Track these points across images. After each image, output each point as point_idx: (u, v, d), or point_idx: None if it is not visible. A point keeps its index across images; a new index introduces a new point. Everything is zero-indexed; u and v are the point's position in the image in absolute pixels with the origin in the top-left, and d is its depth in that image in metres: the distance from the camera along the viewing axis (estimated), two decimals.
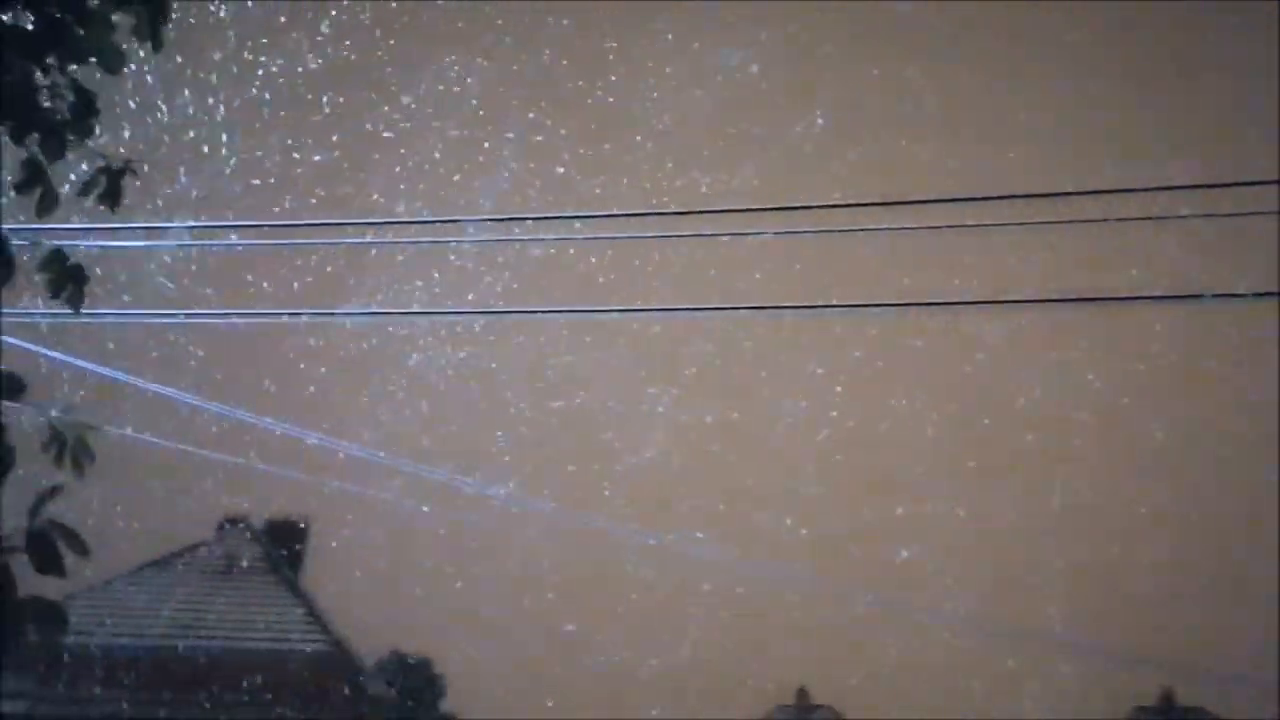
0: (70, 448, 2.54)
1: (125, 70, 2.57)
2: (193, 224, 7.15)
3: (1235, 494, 20.20)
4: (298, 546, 18.45)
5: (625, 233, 6.42)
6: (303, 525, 18.60)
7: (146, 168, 2.77)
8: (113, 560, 16.59)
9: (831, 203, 5.80)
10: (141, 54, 2.65)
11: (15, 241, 2.72)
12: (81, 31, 2.48)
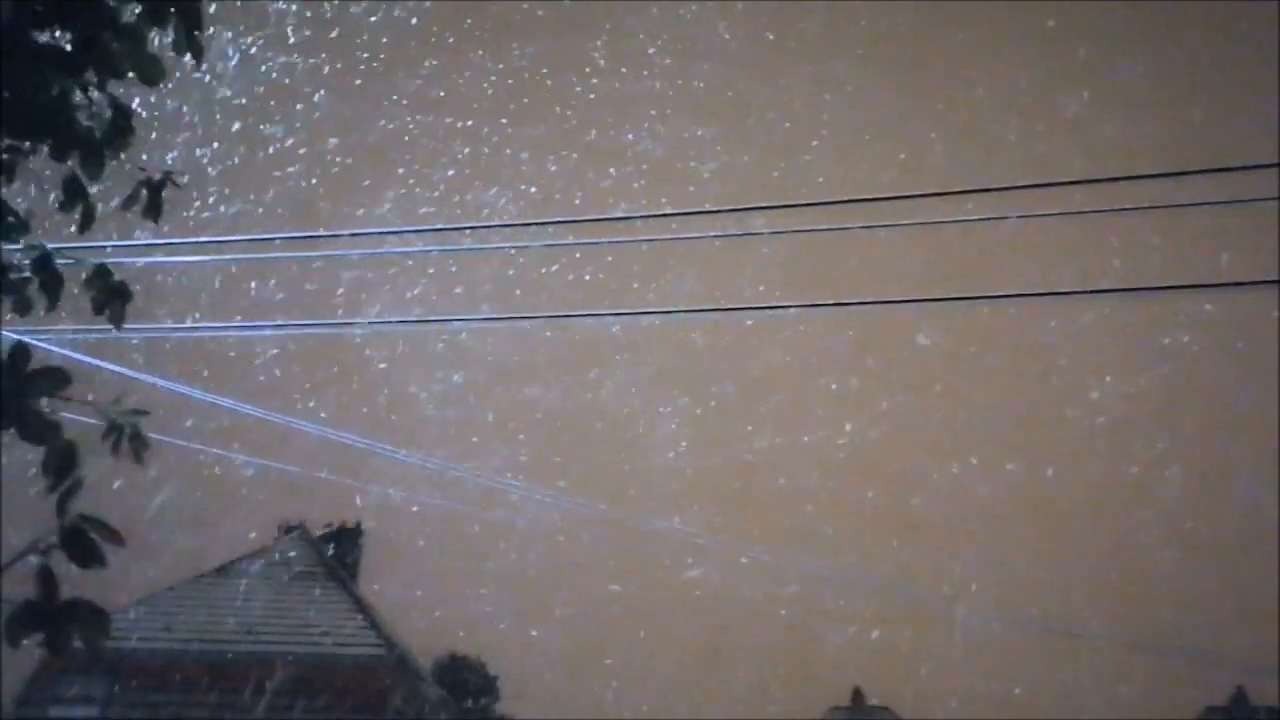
0: (128, 436, 2.58)
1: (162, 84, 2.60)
2: (240, 238, 7.26)
3: None
4: (354, 552, 18.69)
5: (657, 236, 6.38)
6: (358, 531, 18.84)
7: (186, 178, 2.79)
8: (175, 567, 16.97)
9: (849, 198, 5.73)
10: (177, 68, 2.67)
11: (60, 261, 2.77)
12: (116, 46, 2.51)
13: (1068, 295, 5.61)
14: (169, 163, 2.71)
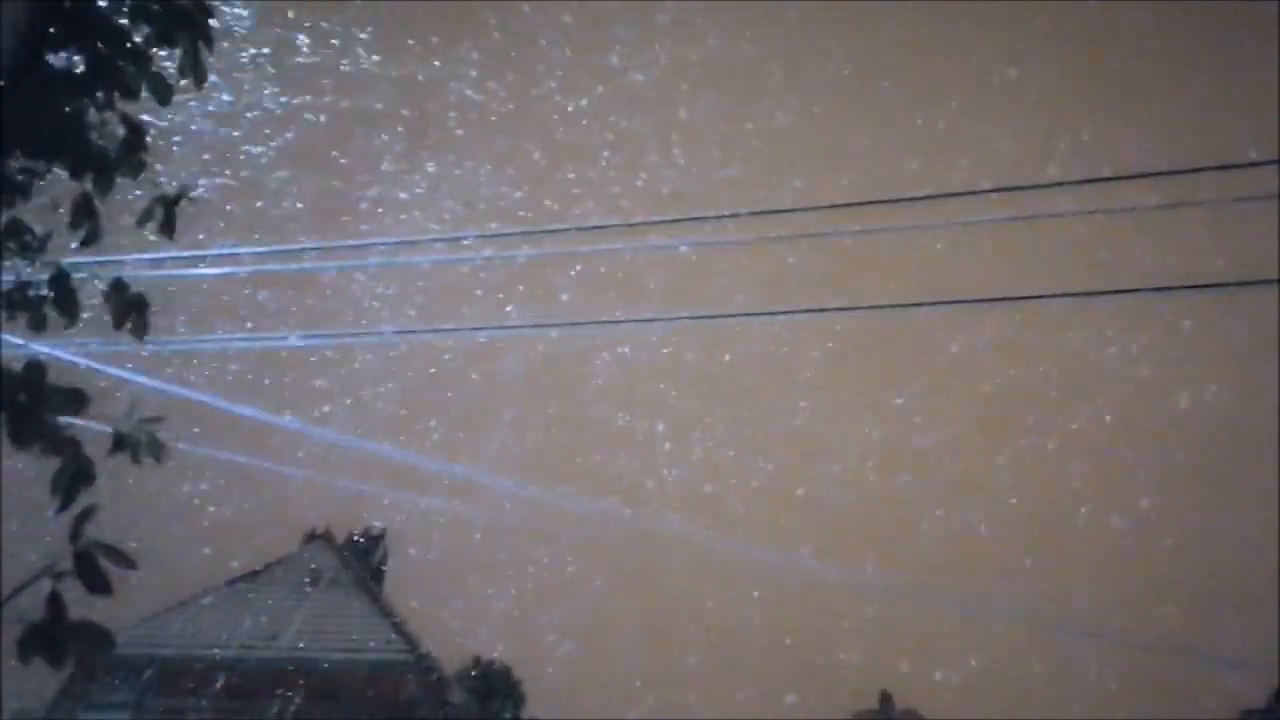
0: (144, 446, 2.61)
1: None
2: (266, 249, 7.34)
3: None
4: (378, 558, 18.82)
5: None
6: (383, 537, 18.96)
7: (201, 191, 2.83)
8: (204, 575, 17.16)
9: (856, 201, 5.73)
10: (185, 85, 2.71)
11: (77, 275, 2.81)
12: (128, 67, 2.55)
13: (1069, 297, 5.56)
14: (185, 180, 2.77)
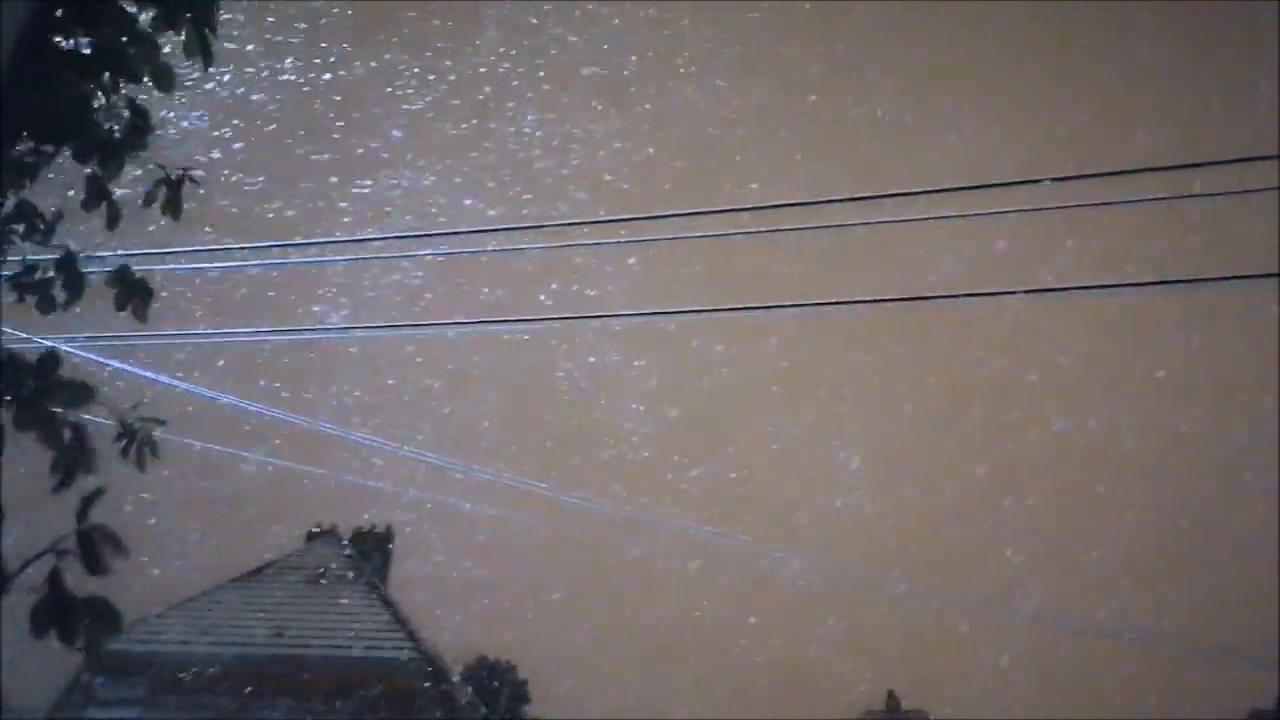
0: (139, 442, 2.65)
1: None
2: (280, 243, 7.39)
3: None
4: (383, 555, 18.86)
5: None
6: (388, 534, 19.01)
7: (201, 173, 2.86)
8: (210, 572, 17.21)
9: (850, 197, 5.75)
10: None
11: (90, 270, 2.85)
12: (133, 51, 2.58)
13: (1071, 290, 5.57)
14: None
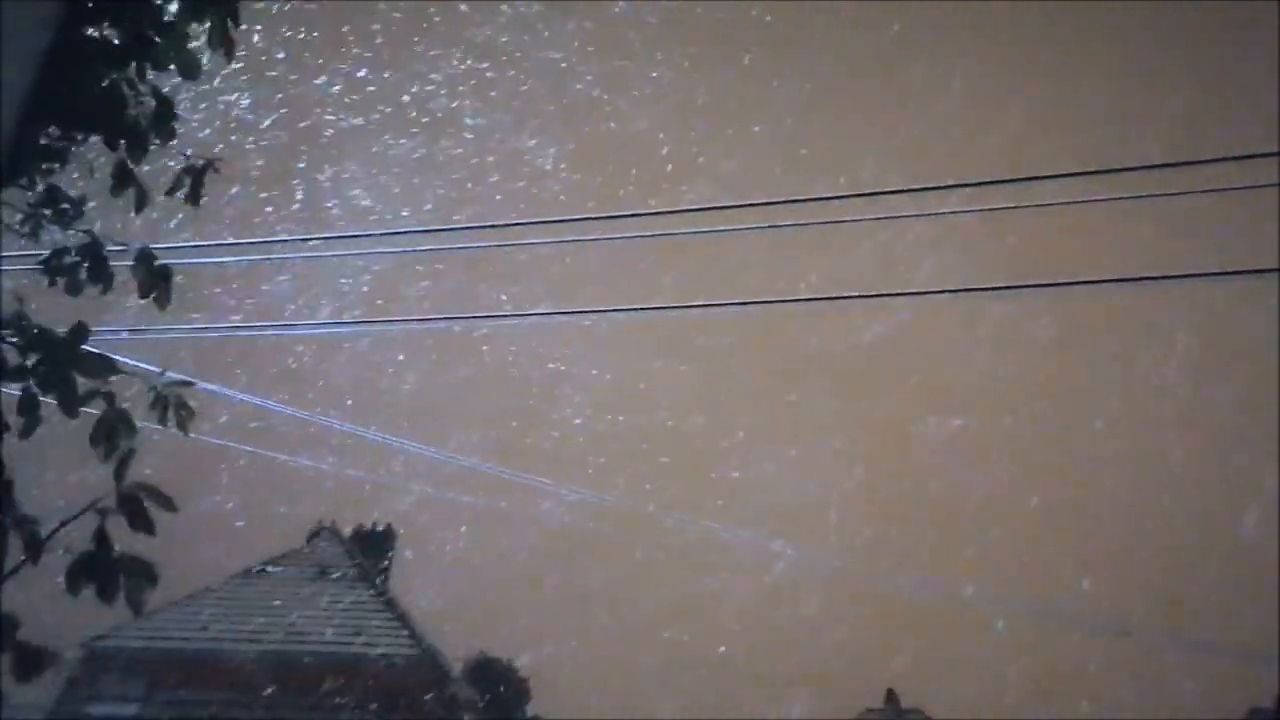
0: (174, 406, 2.74)
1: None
2: (296, 238, 7.47)
3: None
4: (385, 553, 18.92)
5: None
6: (390, 532, 19.07)
7: (223, 161, 2.95)
8: (209, 568, 17.25)
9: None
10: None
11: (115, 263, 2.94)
12: (160, 41, 2.67)
13: (1072, 285, 5.65)
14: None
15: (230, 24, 2.81)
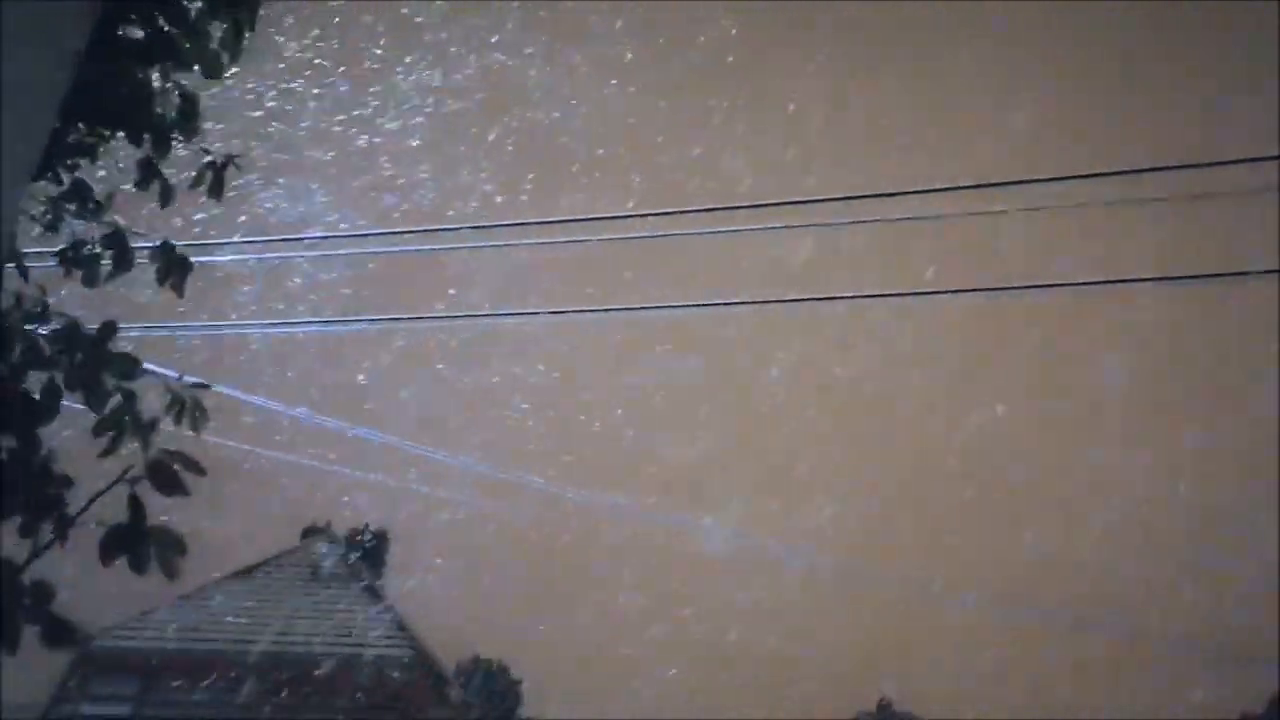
0: (189, 409, 2.83)
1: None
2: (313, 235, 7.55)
3: None
4: (379, 553, 18.96)
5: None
6: (384, 532, 19.10)
7: (247, 158, 3.04)
8: (202, 569, 17.22)
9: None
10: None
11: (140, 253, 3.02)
12: (186, 42, 2.76)
13: (1070, 286, 5.76)
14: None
15: (247, 27, 2.90)
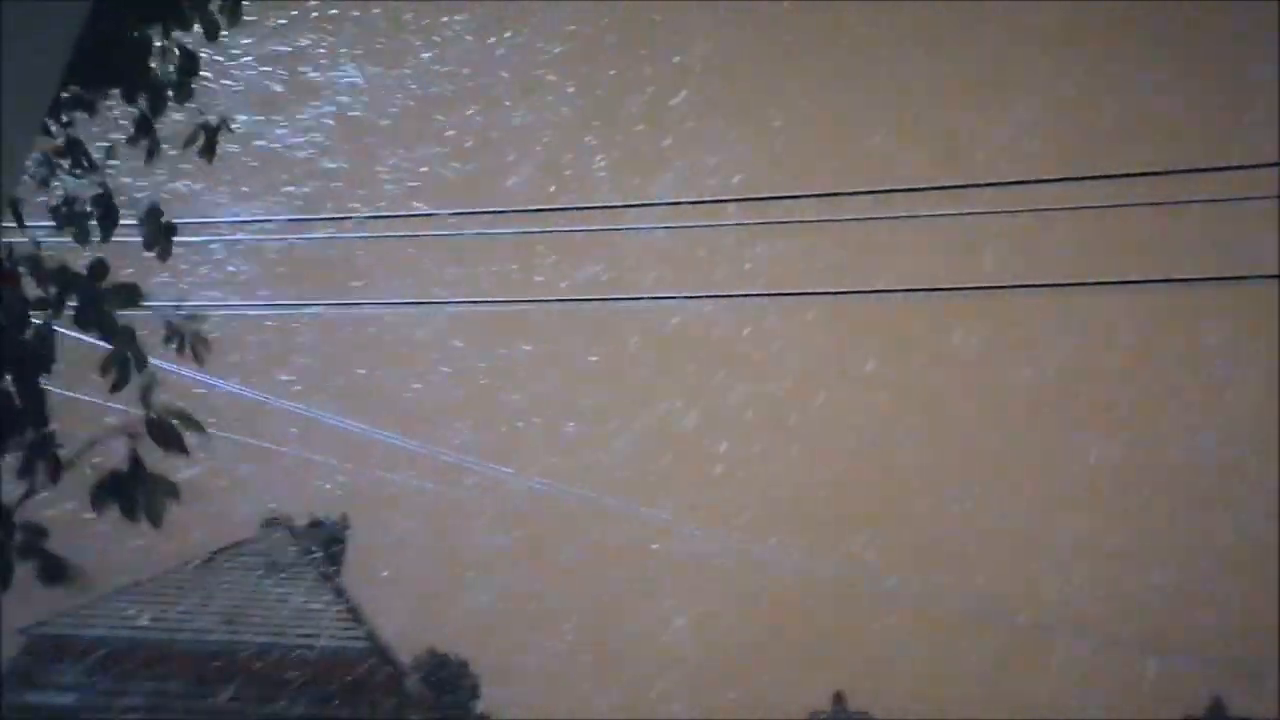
0: (189, 341, 2.84)
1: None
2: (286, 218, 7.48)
3: None
4: (337, 545, 18.80)
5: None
6: (343, 522, 18.95)
7: (239, 123, 3.06)
8: (158, 557, 16.97)
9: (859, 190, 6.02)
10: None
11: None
12: (187, 1, 2.78)
13: (1067, 287, 5.87)
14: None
15: None
